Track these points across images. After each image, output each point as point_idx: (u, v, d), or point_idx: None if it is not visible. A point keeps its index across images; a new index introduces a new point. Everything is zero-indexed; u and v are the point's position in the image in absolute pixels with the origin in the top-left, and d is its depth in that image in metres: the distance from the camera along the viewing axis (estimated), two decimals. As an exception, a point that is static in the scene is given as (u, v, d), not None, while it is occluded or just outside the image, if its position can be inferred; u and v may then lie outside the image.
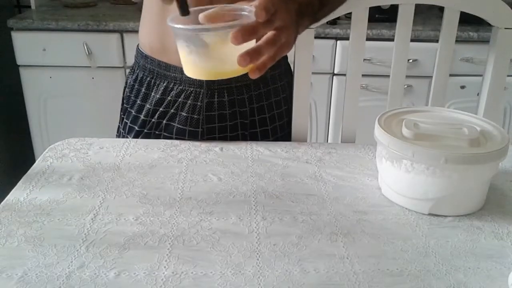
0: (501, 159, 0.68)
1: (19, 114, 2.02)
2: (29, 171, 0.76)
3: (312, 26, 0.86)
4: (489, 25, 0.92)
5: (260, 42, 0.60)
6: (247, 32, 0.58)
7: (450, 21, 0.92)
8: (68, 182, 0.74)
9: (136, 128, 0.92)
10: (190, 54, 0.62)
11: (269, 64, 0.62)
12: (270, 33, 0.61)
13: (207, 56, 0.62)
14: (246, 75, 0.62)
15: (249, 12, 0.61)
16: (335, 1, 0.86)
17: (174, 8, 0.61)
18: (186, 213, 0.67)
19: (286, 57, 0.98)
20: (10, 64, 1.91)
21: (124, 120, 0.96)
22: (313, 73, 0.94)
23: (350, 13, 0.90)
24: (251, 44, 0.60)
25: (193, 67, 0.63)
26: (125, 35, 1.87)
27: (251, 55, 0.59)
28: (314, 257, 0.59)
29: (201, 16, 0.60)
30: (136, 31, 0.94)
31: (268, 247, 0.61)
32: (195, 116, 0.88)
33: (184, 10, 0.59)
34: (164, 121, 0.90)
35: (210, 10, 0.61)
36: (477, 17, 0.91)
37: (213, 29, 0.61)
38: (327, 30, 1.81)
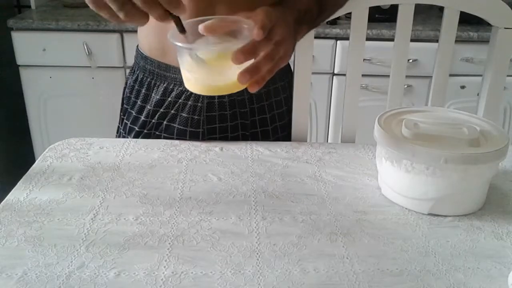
0: (501, 159, 0.68)
1: (19, 114, 2.02)
2: (29, 171, 0.76)
3: None
4: (489, 25, 0.92)
5: (259, 58, 0.61)
6: (248, 52, 0.59)
7: (450, 21, 0.92)
8: (68, 182, 0.74)
9: (136, 128, 0.92)
10: (191, 70, 0.63)
11: (268, 77, 0.63)
12: (268, 48, 0.62)
13: (207, 72, 0.63)
14: None
15: (248, 25, 0.61)
16: (334, 6, 0.86)
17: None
18: (186, 213, 0.67)
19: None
20: (10, 64, 1.91)
21: (124, 120, 0.96)
22: (313, 73, 0.94)
23: (350, 13, 0.90)
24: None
25: (194, 82, 0.64)
26: (125, 35, 1.87)
27: (250, 72, 0.60)
28: (314, 257, 0.59)
29: (200, 27, 0.61)
30: (136, 31, 0.94)
31: (268, 247, 0.61)
32: (196, 117, 0.88)
33: (181, 28, 0.60)
34: (165, 122, 0.90)
35: (209, 21, 0.61)
36: (477, 17, 0.91)
37: (213, 48, 0.62)
38: (327, 30, 1.81)
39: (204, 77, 0.63)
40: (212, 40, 0.62)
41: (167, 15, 0.57)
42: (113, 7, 0.56)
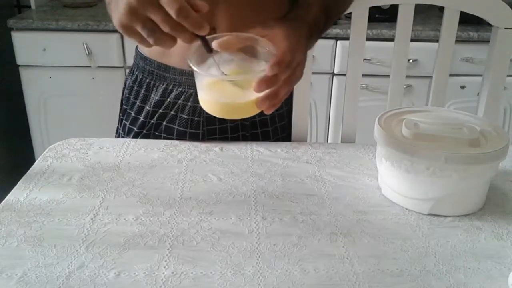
0: (501, 159, 0.68)
1: (19, 114, 2.02)
2: (29, 171, 0.76)
3: None
4: (489, 25, 0.92)
5: (278, 84, 0.62)
6: (270, 82, 0.60)
7: (450, 21, 0.92)
8: (68, 182, 0.74)
9: (135, 129, 0.92)
10: (209, 94, 0.63)
11: (284, 98, 0.64)
12: (287, 73, 0.63)
13: (225, 95, 0.63)
14: None
15: (266, 44, 0.62)
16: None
17: None
18: (186, 213, 0.67)
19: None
20: (10, 64, 1.91)
21: (123, 121, 0.96)
22: (313, 73, 0.94)
23: (350, 13, 0.90)
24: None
25: (212, 105, 0.65)
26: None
27: (270, 98, 0.61)
28: (314, 257, 0.59)
29: (215, 43, 0.61)
30: (136, 31, 0.94)
31: (268, 247, 0.61)
32: (196, 118, 0.88)
33: (208, 49, 0.61)
34: (164, 123, 0.89)
35: (224, 38, 0.62)
36: (477, 17, 0.91)
37: (234, 76, 0.63)
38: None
39: (222, 101, 0.64)
40: (226, 56, 0.62)
41: (194, 37, 0.58)
42: (143, 33, 0.58)
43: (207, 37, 0.61)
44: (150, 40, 0.59)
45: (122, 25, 0.58)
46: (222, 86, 0.62)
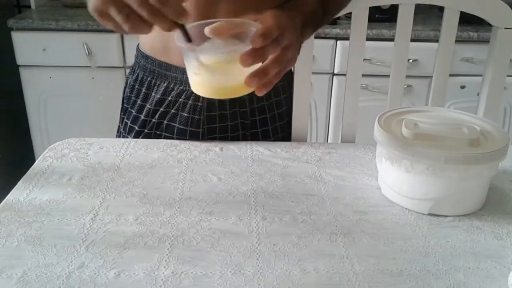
0: (501, 159, 0.68)
1: (19, 114, 2.02)
2: (29, 171, 0.76)
3: None
4: (489, 25, 0.92)
5: (267, 61, 0.61)
6: (256, 55, 0.59)
7: (450, 21, 0.92)
8: (68, 182, 0.74)
9: (136, 128, 0.92)
10: (198, 73, 0.63)
11: (275, 80, 0.63)
12: (276, 52, 0.62)
13: (214, 75, 0.62)
14: None
15: (255, 28, 0.61)
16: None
17: None
18: (186, 213, 0.67)
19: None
20: (10, 64, 1.91)
21: (125, 120, 0.96)
22: (313, 73, 0.94)
23: (350, 13, 0.90)
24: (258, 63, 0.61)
25: (201, 85, 0.64)
26: (125, 35, 1.87)
27: (259, 75, 0.60)
28: (314, 257, 0.59)
29: (207, 29, 0.61)
30: (136, 31, 0.94)
31: (268, 247, 0.61)
32: (196, 117, 0.88)
33: (187, 38, 0.59)
34: (165, 121, 0.90)
35: (216, 24, 0.61)
36: (477, 17, 0.91)
37: (221, 52, 0.62)
38: (327, 30, 1.81)
39: (211, 80, 0.63)
40: (219, 42, 0.62)
41: (172, 25, 0.57)
42: (118, 19, 0.56)
43: (199, 23, 0.60)
44: (125, 26, 0.56)
45: (97, 9, 0.57)
46: (212, 66, 0.61)
